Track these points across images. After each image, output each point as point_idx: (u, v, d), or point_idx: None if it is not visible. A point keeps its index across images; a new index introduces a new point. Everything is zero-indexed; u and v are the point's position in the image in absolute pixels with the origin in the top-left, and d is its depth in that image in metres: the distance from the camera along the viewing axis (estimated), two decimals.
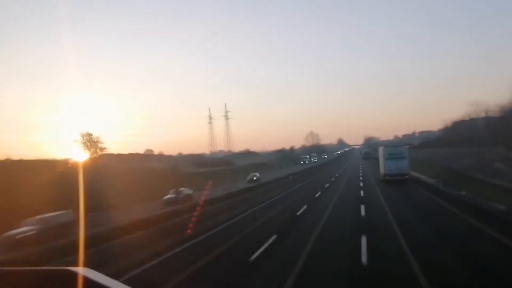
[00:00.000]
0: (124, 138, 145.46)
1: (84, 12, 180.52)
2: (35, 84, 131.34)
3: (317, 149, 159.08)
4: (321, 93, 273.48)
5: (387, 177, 37.21)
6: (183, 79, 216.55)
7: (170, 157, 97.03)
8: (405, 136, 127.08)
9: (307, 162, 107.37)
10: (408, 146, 41.43)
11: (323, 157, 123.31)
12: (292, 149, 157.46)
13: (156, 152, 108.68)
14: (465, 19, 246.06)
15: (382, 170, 39.61)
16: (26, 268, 1.11)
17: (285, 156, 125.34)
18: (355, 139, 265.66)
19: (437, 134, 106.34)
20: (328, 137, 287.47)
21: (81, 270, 1.04)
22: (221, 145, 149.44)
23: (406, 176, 36.80)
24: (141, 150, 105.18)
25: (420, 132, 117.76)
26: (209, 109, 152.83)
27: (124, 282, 1.18)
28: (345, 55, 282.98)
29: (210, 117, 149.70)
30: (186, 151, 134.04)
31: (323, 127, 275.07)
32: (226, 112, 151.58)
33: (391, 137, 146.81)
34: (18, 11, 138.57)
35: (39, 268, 1.10)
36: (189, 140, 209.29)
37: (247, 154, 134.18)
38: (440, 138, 73.00)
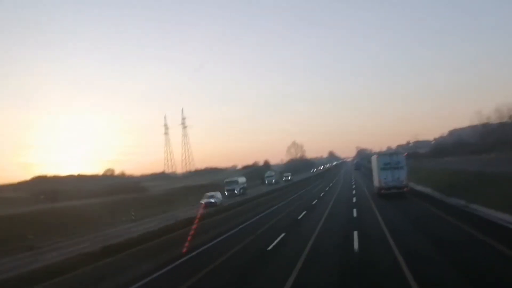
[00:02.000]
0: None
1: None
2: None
3: (299, 163, 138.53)
4: (309, 105, 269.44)
5: (383, 191, 31.68)
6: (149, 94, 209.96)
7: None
8: (399, 146, 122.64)
9: (273, 182, 79.86)
10: (406, 153, 36.17)
11: (285, 178, 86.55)
12: (267, 164, 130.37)
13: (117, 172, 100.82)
14: (465, 24, 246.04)
15: (376, 182, 33.95)
16: None
17: (254, 173, 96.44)
18: (347, 152, 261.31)
19: (432, 144, 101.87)
20: (318, 151, 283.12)
21: None
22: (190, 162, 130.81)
23: (405, 189, 31.37)
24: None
25: (415, 142, 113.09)
26: (165, 116, 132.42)
27: None
28: (335, 66, 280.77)
29: (166, 126, 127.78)
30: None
31: (312, 141, 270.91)
32: (183, 119, 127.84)
33: (384, 148, 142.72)
34: (9, 34, 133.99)
35: None
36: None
37: (208, 172, 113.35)
38: (458, 144, 65.95)
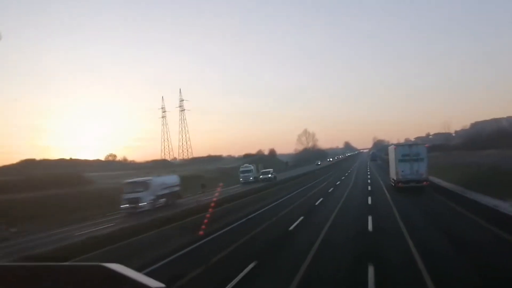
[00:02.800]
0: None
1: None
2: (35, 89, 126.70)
3: (311, 153, 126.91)
4: (325, 95, 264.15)
5: (400, 184, 29.37)
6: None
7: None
8: (417, 138, 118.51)
9: (251, 179, 54.92)
10: (427, 145, 33.49)
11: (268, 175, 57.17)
12: (273, 153, 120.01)
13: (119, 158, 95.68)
14: (477, 20, 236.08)
15: (393, 175, 31.54)
16: (60, 263, 1.15)
17: (255, 163, 72.46)
18: (363, 143, 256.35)
19: (453, 136, 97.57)
20: (334, 141, 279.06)
21: (112, 266, 1.09)
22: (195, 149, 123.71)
23: (425, 183, 28.94)
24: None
25: (435, 134, 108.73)
26: (162, 98, 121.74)
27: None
28: (352, 56, 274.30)
29: (163, 109, 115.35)
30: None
31: (328, 131, 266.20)
32: (181, 101, 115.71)
33: (402, 140, 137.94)
34: (28, 19, 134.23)
35: (72, 263, 1.17)
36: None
37: (209, 160, 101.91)
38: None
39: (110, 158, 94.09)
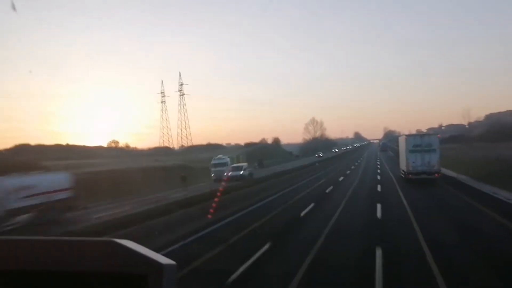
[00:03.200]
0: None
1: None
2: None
3: (320, 143, 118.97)
4: (336, 84, 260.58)
5: (411, 176, 28.29)
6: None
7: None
8: (430, 129, 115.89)
9: (225, 175, 37.25)
10: (439, 135, 32.20)
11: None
12: (277, 142, 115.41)
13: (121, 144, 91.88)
14: (487, 11, 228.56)
15: (403, 166, 30.37)
16: (74, 238, 1.16)
17: (256, 152, 72.44)
18: (374, 134, 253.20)
19: (467, 128, 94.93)
20: (344, 131, 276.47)
21: (124, 242, 1.11)
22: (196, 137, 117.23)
23: (436, 175, 27.80)
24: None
25: (448, 126, 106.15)
26: (162, 81, 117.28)
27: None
28: (364, 47, 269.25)
29: (162, 93, 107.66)
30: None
31: (338, 121, 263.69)
32: (180, 85, 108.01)
33: (413, 131, 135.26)
34: (42, 5, 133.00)
35: (85, 238, 1.15)
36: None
37: (208, 148, 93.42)
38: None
39: (113, 145, 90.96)
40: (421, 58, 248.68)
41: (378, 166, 50.86)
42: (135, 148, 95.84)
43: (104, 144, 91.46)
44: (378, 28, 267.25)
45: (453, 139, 62.62)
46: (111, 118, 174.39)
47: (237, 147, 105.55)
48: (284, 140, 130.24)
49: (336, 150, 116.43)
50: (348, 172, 43.65)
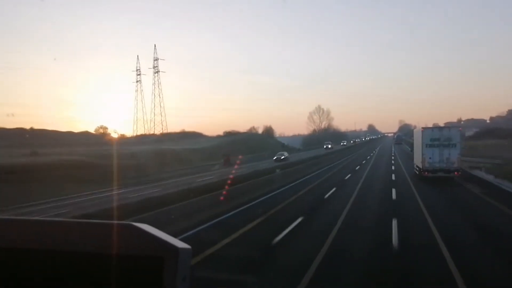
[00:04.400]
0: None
1: None
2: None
3: (328, 134, 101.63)
4: (350, 75, 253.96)
5: (427, 173, 24.98)
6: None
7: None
8: (447, 123, 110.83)
9: None
10: (460, 128, 28.84)
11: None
12: (269, 132, 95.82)
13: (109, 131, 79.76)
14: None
15: (418, 162, 27.03)
16: (92, 221, 1.19)
17: (240, 143, 64.24)
18: (389, 127, 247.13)
19: (487, 123, 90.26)
20: (358, 123, 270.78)
21: (142, 226, 1.13)
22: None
23: (456, 173, 24.56)
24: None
25: (467, 120, 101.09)
26: (137, 57, 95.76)
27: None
28: (380, 38, 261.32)
29: (138, 71, 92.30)
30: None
31: (352, 113, 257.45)
32: (155, 60, 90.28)
33: (430, 125, 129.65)
34: None
35: (103, 221, 1.19)
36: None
37: (182, 137, 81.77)
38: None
39: (101, 131, 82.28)
40: (440, 49, 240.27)
41: (393, 168, 36.06)
42: (123, 135, 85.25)
43: (92, 130, 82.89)
44: (394, 19, 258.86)
45: (490, 134, 51.59)
46: (95, 102, 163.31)
47: (215, 137, 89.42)
48: (291, 132, 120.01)
49: (345, 143, 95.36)
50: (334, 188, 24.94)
